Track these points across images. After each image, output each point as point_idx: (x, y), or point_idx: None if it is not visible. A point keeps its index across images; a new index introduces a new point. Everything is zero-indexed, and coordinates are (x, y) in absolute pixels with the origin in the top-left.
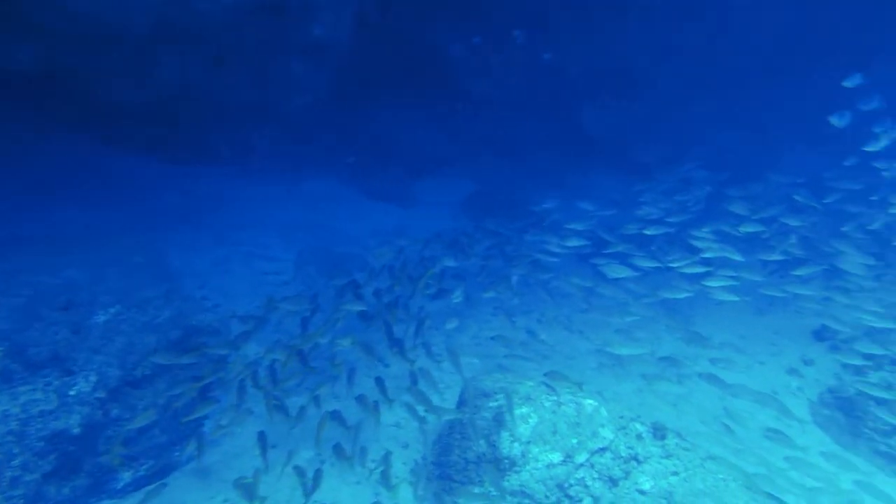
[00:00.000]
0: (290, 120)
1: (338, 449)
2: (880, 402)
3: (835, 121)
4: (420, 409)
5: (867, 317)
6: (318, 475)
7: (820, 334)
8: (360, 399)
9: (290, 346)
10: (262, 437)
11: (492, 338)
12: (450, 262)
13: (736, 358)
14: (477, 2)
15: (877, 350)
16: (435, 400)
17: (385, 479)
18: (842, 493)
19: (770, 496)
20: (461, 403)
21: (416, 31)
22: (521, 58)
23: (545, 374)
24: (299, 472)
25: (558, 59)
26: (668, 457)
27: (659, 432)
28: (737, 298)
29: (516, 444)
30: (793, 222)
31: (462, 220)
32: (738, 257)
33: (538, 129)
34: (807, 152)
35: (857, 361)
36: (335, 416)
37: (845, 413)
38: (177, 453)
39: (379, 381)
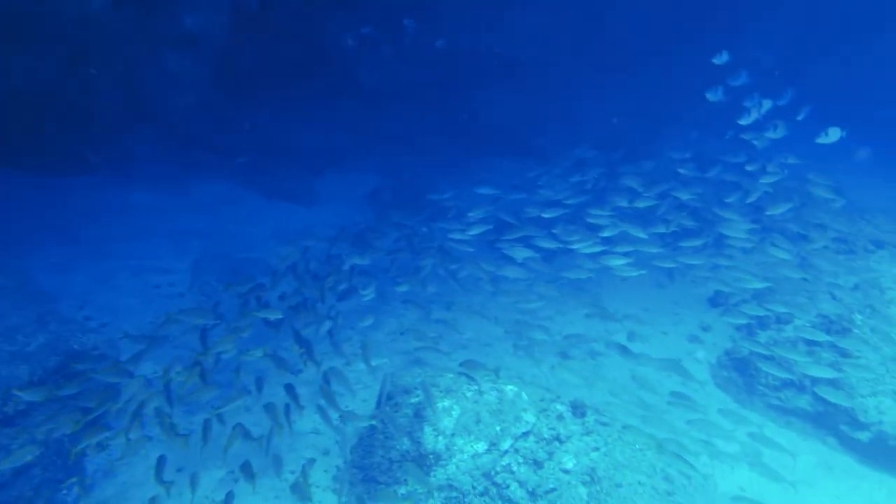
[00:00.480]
0: (173, 121)
1: (245, 467)
2: (769, 359)
3: (709, 96)
4: (334, 414)
5: (748, 278)
6: (229, 497)
7: (714, 301)
8: (269, 408)
9: (191, 362)
10: (161, 462)
11: (401, 333)
12: (358, 260)
13: (641, 330)
14: None
15: (761, 311)
16: (350, 401)
17: (299, 491)
18: (739, 446)
19: (678, 457)
20: (380, 403)
21: (300, 22)
22: (413, 46)
23: (461, 364)
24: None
25: (450, 46)
26: (588, 434)
27: (578, 410)
28: (637, 273)
29: (440, 438)
30: (683, 195)
31: (367, 214)
32: (641, 234)
33: (436, 119)
34: (690, 129)
35: (744, 321)
36: (241, 429)
37: (740, 373)
38: (63, 492)
39: (289, 388)
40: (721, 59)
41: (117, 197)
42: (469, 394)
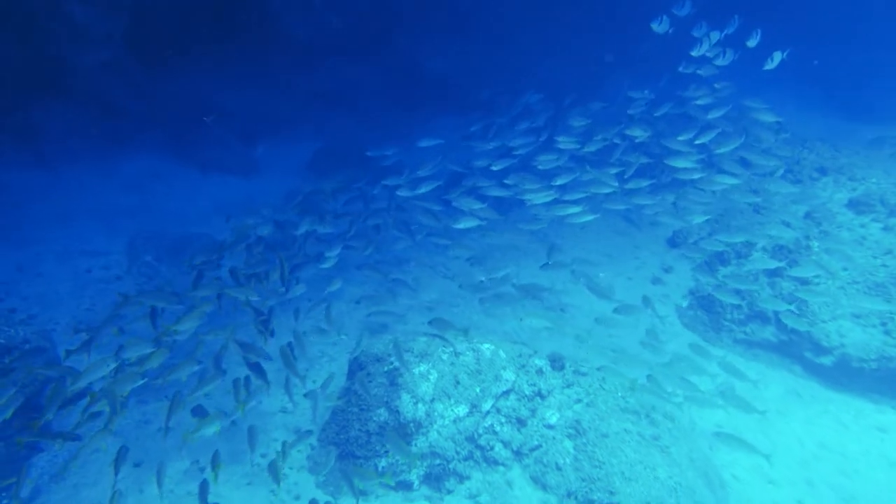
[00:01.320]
0: (85, 85)
1: (213, 456)
2: (733, 293)
3: (654, 26)
4: (299, 390)
5: (699, 211)
6: (203, 488)
7: (673, 241)
8: (235, 385)
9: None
10: (121, 454)
11: (359, 301)
12: (319, 227)
13: (608, 276)
14: None
15: (719, 246)
16: (321, 373)
17: (273, 472)
18: (710, 378)
19: (661, 399)
20: (352, 373)
21: None
22: None
23: (429, 323)
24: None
25: None
26: (568, 386)
27: (557, 363)
28: (591, 217)
29: (420, 405)
30: (637, 133)
31: (310, 181)
32: (613, 183)
33: (375, 76)
34: (626, 75)
35: (703, 258)
36: (199, 411)
37: (706, 310)
38: (4, 501)
39: (254, 366)
40: None
41: (32, 178)
42: (445, 356)
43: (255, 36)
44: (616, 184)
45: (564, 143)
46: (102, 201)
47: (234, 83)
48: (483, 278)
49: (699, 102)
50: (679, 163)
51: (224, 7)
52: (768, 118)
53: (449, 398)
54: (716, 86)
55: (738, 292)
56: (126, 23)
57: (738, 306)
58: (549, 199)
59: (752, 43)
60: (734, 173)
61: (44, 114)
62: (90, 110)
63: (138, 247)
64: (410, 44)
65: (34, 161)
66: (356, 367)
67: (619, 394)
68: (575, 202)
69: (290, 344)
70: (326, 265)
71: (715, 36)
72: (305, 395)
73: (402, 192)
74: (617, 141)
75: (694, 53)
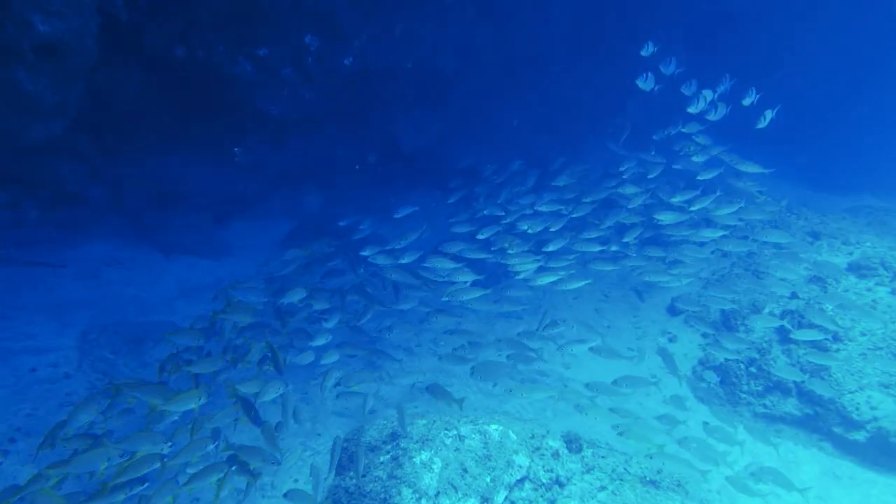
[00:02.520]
0: (36, 173)
1: None
2: (748, 363)
3: (640, 83)
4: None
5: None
6: None
7: (673, 308)
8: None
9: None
10: None
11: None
12: (316, 304)
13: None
14: (252, 7)
15: (724, 305)
16: (303, 470)
17: None
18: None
19: (687, 479)
20: (341, 467)
21: (184, 39)
22: (319, 67)
23: (427, 390)
24: None
25: (360, 64)
26: (589, 471)
27: (574, 444)
28: (584, 283)
29: (423, 501)
30: (629, 191)
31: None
32: (588, 246)
33: (350, 151)
34: (600, 145)
35: (709, 329)
36: None
37: (720, 382)
38: None
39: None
40: (647, 50)
41: None
42: (449, 440)
43: (224, 112)
44: (602, 246)
45: (549, 206)
46: (50, 293)
47: (202, 161)
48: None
49: (696, 159)
50: (667, 217)
51: (192, 82)
52: (752, 169)
53: (456, 491)
54: (697, 140)
55: (752, 361)
56: (80, 95)
57: (754, 376)
58: (535, 265)
59: (747, 101)
60: (725, 225)
61: None
62: (40, 196)
63: (92, 340)
64: (386, 117)
65: None
66: (346, 459)
67: (648, 478)
68: (564, 268)
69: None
70: (320, 342)
71: (709, 95)
72: (285, 496)
73: (379, 261)
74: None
75: (691, 110)
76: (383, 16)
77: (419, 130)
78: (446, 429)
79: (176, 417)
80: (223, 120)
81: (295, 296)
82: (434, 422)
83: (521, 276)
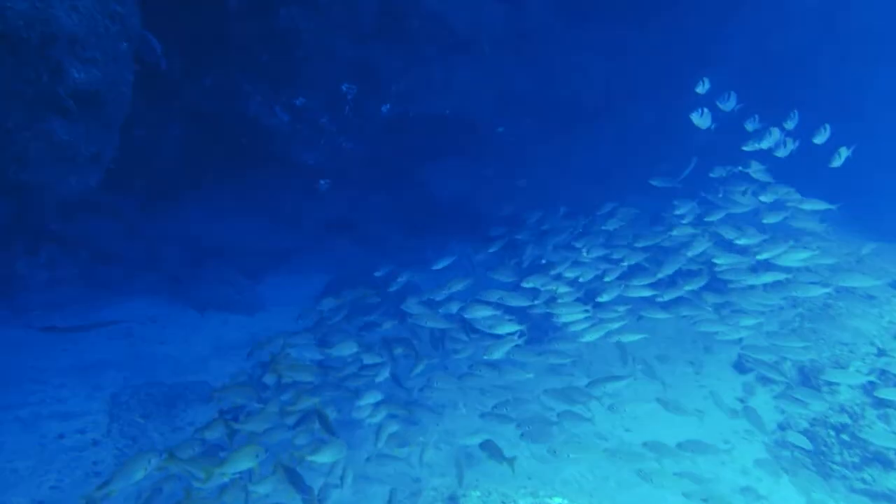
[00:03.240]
0: (74, 231)
1: None
2: (839, 429)
3: (695, 119)
4: None
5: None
6: None
7: (741, 365)
8: None
9: None
10: None
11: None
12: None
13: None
14: (288, 56)
15: (802, 356)
16: None
17: None
18: None
19: None
20: None
21: (221, 92)
22: (356, 115)
23: (480, 446)
24: None
25: (398, 110)
26: None
27: None
28: (639, 337)
29: None
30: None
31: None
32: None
33: (387, 200)
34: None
35: (788, 390)
36: None
37: (806, 450)
38: None
39: None
40: (703, 87)
41: (3, 333)
42: None
43: (260, 164)
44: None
45: (598, 251)
46: (82, 354)
47: (237, 214)
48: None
49: (763, 199)
50: (725, 260)
51: (228, 134)
52: (817, 206)
53: None
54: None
55: (843, 427)
56: (116, 145)
57: (847, 444)
58: (583, 315)
59: (819, 139)
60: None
61: (26, 263)
62: (77, 255)
63: (122, 403)
64: (422, 166)
65: (10, 315)
66: None
67: None
68: (615, 319)
69: None
70: (370, 400)
71: (776, 133)
72: None
73: (413, 309)
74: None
75: (763, 145)
76: (422, 62)
77: (455, 179)
78: (504, 502)
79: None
80: (259, 172)
81: (345, 349)
82: (489, 493)
83: (571, 328)
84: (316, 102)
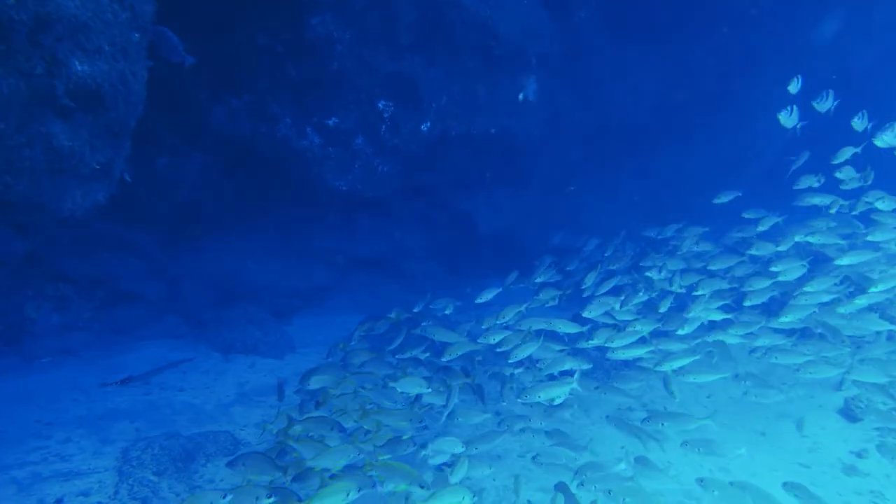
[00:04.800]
0: (88, 270)
1: None
2: None
3: (783, 118)
4: None
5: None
6: None
7: (849, 412)
8: None
9: None
10: None
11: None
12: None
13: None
14: (320, 73)
15: None
16: None
17: None
18: None
19: None
20: None
21: (248, 113)
22: (393, 136)
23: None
24: None
25: (438, 129)
26: None
27: None
28: (719, 376)
29: None
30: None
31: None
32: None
33: (427, 234)
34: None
35: None
36: None
37: None
38: None
39: None
40: (796, 86)
41: (12, 382)
42: None
43: (291, 194)
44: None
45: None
46: (92, 403)
47: (265, 251)
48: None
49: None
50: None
51: (255, 161)
52: None
53: None
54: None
55: None
56: (124, 154)
57: None
58: (642, 352)
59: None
60: None
61: (36, 306)
62: (92, 295)
63: (133, 459)
64: (464, 195)
65: (20, 362)
66: None
67: None
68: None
69: None
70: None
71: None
72: None
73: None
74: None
75: (879, 143)
76: (465, 74)
77: (498, 210)
78: None
79: None
80: (287, 204)
81: (413, 387)
82: None
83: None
84: (349, 123)
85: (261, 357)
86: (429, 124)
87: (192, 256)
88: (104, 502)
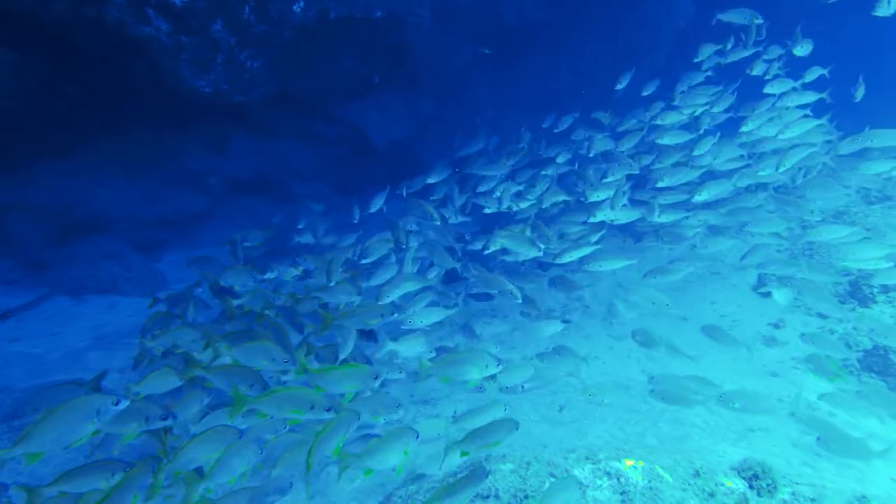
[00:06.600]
0: None
1: None
2: None
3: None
4: None
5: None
6: None
7: (762, 286)
8: None
9: None
10: None
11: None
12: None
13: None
14: None
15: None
16: None
17: None
18: None
19: None
20: None
21: None
22: (260, 20)
23: (553, 350)
24: None
25: (315, 10)
26: None
27: (763, 480)
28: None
29: None
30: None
31: None
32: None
33: (306, 151)
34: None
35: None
36: None
37: (880, 374)
38: None
39: None
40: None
41: None
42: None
43: (142, 105)
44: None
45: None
46: None
47: (118, 175)
48: None
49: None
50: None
51: (89, 58)
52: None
53: None
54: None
55: None
56: None
57: None
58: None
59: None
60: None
61: None
62: None
63: None
64: (351, 104)
65: None
66: None
67: None
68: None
69: None
70: None
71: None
72: None
73: None
74: None
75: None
76: None
77: (391, 119)
78: (552, 474)
79: None
80: (142, 115)
81: None
82: (528, 465)
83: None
84: (202, 1)
85: (124, 297)
86: (302, 3)
87: (19, 185)
88: None
